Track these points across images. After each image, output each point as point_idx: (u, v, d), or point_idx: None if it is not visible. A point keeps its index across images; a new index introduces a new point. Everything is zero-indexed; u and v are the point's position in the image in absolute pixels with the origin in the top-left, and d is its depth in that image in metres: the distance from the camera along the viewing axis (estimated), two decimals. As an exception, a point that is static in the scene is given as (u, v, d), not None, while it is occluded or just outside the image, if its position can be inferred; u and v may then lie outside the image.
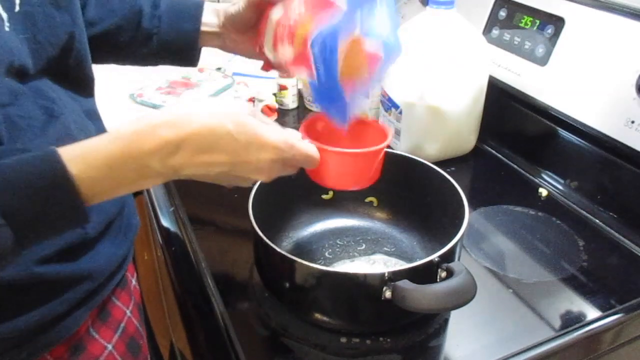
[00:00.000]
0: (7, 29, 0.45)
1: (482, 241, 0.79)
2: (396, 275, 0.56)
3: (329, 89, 0.55)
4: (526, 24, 0.95)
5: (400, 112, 0.94)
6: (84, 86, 0.60)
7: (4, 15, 0.45)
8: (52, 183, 0.41)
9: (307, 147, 0.53)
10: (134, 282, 0.71)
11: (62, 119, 0.52)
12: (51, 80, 0.54)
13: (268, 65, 0.66)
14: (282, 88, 1.17)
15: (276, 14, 0.59)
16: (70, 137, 0.51)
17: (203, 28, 0.70)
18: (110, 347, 0.62)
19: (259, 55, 0.65)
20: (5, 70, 0.46)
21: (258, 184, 0.67)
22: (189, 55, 0.73)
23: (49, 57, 0.52)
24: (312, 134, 0.57)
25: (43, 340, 0.53)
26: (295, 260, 0.59)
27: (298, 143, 0.52)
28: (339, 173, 0.57)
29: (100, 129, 0.61)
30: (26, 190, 0.41)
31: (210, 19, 0.70)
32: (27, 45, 0.49)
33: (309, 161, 0.53)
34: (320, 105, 0.59)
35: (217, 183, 0.52)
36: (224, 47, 0.72)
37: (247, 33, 0.67)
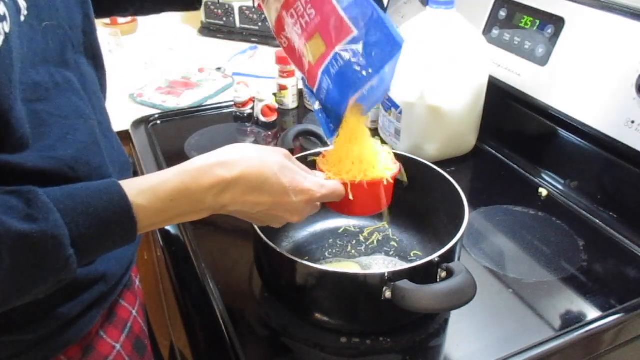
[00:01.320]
0: (22, 18, 0.44)
1: (482, 241, 0.79)
2: (396, 275, 0.56)
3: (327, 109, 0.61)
4: (526, 24, 0.95)
5: (400, 112, 0.94)
6: (104, 76, 0.60)
7: (23, 4, 0.44)
8: (117, 215, 0.45)
9: (334, 185, 0.60)
10: (137, 282, 0.71)
11: (90, 123, 0.52)
12: (82, 67, 0.53)
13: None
14: (282, 88, 1.17)
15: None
16: (95, 143, 0.52)
17: None
18: (118, 346, 0.62)
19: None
20: (31, 63, 0.45)
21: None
22: None
23: (72, 42, 0.52)
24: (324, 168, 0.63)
25: (60, 341, 0.54)
26: (295, 261, 0.59)
27: (325, 182, 0.59)
28: (358, 201, 0.62)
29: (112, 134, 0.61)
30: (93, 221, 0.44)
31: None
32: (52, 31, 0.48)
33: (335, 195, 0.60)
34: (315, 110, 0.62)
35: (252, 222, 0.58)
36: None
37: None
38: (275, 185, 0.53)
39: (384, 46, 0.53)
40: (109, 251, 0.48)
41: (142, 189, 0.47)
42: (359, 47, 0.54)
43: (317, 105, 0.61)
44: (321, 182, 0.58)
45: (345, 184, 0.60)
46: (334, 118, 0.61)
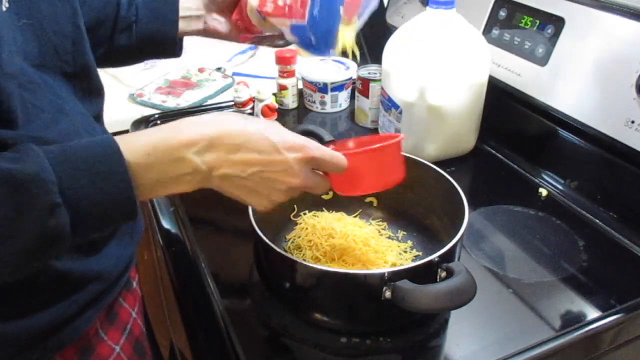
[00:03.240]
0: (4, 8, 0.44)
1: (482, 241, 0.79)
2: (396, 275, 0.56)
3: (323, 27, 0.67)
4: (526, 24, 0.95)
5: (400, 112, 0.94)
6: (93, 87, 0.59)
7: None
8: (110, 169, 0.43)
9: (334, 152, 0.55)
10: (134, 284, 0.71)
11: (71, 117, 0.52)
12: (60, 78, 0.53)
13: (245, 37, 0.74)
14: (282, 88, 1.17)
15: None
16: (77, 134, 0.52)
17: (182, 13, 0.73)
18: (118, 348, 0.62)
19: (239, 28, 0.74)
20: (15, 50, 0.46)
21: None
22: (170, 43, 0.75)
23: (56, 47, 0.52)
24: None
25: (54, 341, 0.53)
26: (295, 260, 0.59)
27: (323, 147, 0.54)
28: (366, 174, 0.58)
29: (105, 132, 0.62)
30: (84, 173, 0.42)
31: (188, 3, 0.73)
32: (32, 31, 0.49)
33: (335, 162, 0.54)
34: (308, 44, 0.69)
35: (250, 201, 0.53)
36: (205, 31, 0.76)
37: (227, 10, 0.73)
38: (262, 140, 0.49)
39: None
40: (108, 217, 0.44)
41: (119, 143, 0.44)
42: None
43: (312, 38, 0.66)
44: (317, 144, 0.53)
45: (349, 155, 0.55)
46: (328, 36, 0.66)
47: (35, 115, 0.48)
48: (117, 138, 0.45)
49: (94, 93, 0.60)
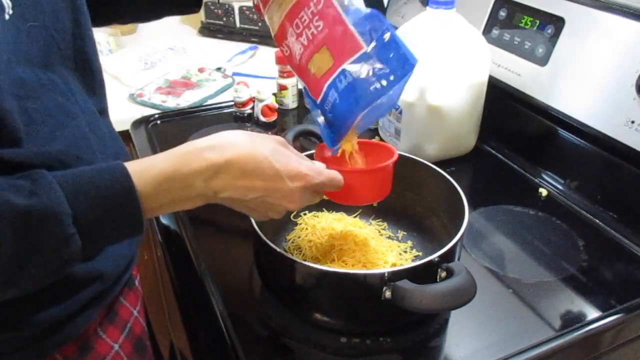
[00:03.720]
0: (7, 16, 0.44)
1: (482, 241, 0.79)
2: (396, 275, 0.56)
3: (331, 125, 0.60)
4: (526, 24, 0.95)
5: (400, 112, 0.94)
6: (96, 81, 0.60)
7: (8, 4, 0.44)
8: (121, 196, 0.45)
9: (332, 172, 0.58)
10: (136, 282, 0.71)
11: (78, 121, 0.53)
12: (66, 73, 0.53)
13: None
14: (282, 88, 1.17)
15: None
16: (84, 139, 0.53)
17: None
18: (117, 347, 0.62)
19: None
20: (16, 60, 0.46)
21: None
22: None
23: (58, 44, 0.52)
24: (324, 160, 0.62)
25: (55, 339, 0.54)
26: (295, 261, 0.59)
27: (323, 169, 0.57)
28: (359, 190, 0.61)
29: (110, 127, 0.62)
30: (96, 201, 0.44)
31: None
32: (37, 32, 0.49)
33: (334, 184, 0.58)
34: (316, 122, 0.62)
35: (248, 212, 0.56)
36: None
37: None
38: (268, 169, 0.51)
39: (396, 65, 0.52)
40: (116, 237, 0.47)
41: (131, 171, 0.46)
42: (369, 63, 0.53)
43: (320, 119, 0.60)
44: (318, 169, 0.56)
45: (344, 172, 0.59)
46: (337, 130, 0.59)
47: (42, 122, 0.48)
48: (129, 165, 0.47)
49: (98, 87, 0.60)
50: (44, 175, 0.42)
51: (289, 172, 0.52)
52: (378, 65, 0.53)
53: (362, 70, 0.53)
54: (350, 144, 0.62)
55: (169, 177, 0.48)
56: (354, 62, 0.54)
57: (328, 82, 0.56)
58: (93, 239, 0.45)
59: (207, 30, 1.66)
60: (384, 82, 0.53)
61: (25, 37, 0.47)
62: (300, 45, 0.58)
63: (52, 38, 0.51)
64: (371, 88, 0.53)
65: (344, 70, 0.54)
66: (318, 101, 0.59)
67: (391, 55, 0.52)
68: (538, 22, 0.93)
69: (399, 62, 0.52)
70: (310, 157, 0.68)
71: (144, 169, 0.47)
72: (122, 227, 0.47)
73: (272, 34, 0.62)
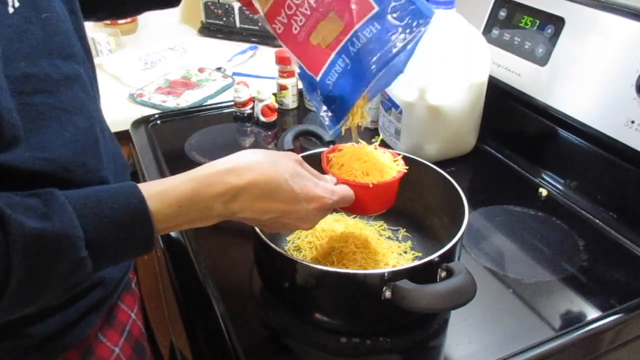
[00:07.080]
0: (11, 10, 0.43)
1: (482, 241, 0.79)
2: (396, 275, 0.56)
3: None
4: (526, 24, 0.95)
5: (400, 112, 0.94)
6: (95, 75, 0.59)
7: None
8: (134, 219, 0.45)
9: (344, 190, 0.59)
10: (132, 285, 0.71)
11: (92, 121, 0.52)
12: (82, 67, 0.52)
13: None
14: (282, 88, 1.17)
15: None
16: (94, 143, 0.52)
17: None
18: (117, 350, 0.62)
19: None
20: (20, 55, 0.44)
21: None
22: None
23: (79, 35, 0.51)
24: (329, 168, 0.63)
25: (57, 345, 0.54)
26: (295, 260, 0.59)
27: (336, 189, 0.58)
28: (366, 202, 0.62)
29: (107, 126, 0.61)
30: (110, 225, 0.43)
31: None
32: (52, 23, 0.48)
33: (346, 201, 0.59)
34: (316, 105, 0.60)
35: (262, 228, 0.57)
36: None
37: None
38: (286, 192, 0.52)
39: (411, 20, 0.50)
40: (125, 257, 0.48)
41: (151, 193, 0.46)
42: (382, 23, 0.50)
43: (317, 98, 0.57)
44: (332, 189, 0.57)
45: (354, 186, 0.60)
46: (339, 107, 0.57)
47: (53, 118, 0.47)
48: (148, 186, 0.47)
49: (96, 82, 0.60)
50: (56, 196, 0.42)
51: (306, 194, 0.53)
52: (393, 23, 0.50)
53: (375, 30, 0.51)
54: (358, 116, 0.61)
55: (188, 200, 0.48)
56: (366, 23, 0.51)
57: (337, 49, 0.54)
58: (103, 259, 0.45)
59: (207, 30, 1.66)
60: (400, 42, 0.51)
61: (40, 28, 0.46)
62: (300, 17, 0.55)
63: (67, 28, 0.50)
64: (387, 47, 0.51)
65: (356, 33, 0.52)
66: (318, 77, 0.56)
67: (405, 12, 0.50)
68: (538, 22, 0.93)
69: (414, 17, 0.50)
70: (311, 156, 0.69)
71: (163, 191, 0.47)
72: (133, 249, 0.47)
73: (262, 13, 0.59)
